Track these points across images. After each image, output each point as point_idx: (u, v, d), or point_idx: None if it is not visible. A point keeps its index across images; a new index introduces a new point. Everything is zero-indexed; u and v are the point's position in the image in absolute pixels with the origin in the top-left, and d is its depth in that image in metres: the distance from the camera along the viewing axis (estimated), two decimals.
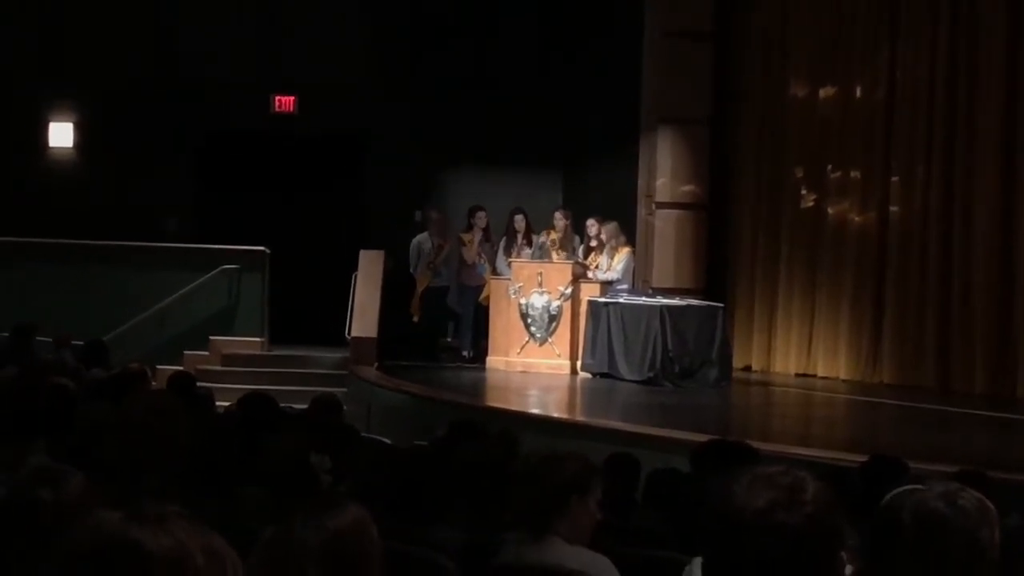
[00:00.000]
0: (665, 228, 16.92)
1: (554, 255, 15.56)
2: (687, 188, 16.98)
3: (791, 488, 2.21)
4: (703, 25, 16.94)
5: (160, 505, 1.80)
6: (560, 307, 15.24)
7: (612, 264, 15.53)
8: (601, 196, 17.13)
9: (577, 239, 15.89)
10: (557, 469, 4.68)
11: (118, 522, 1.74)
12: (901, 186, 15.53)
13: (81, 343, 12.45)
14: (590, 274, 15.52)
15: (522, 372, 15.19)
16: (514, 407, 12.80)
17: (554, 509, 4.59)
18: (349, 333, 16.19)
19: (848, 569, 2.89)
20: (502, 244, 16.30)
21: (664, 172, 16.94)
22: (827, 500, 2.23)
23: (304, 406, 8.28)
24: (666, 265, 16.85)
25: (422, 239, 16.98)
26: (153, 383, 10.03)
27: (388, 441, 8.86)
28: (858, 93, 16.01)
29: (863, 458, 6.87)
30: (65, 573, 1.73)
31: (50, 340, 13.27)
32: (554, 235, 15.69)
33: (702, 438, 7.62)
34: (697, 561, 3.00)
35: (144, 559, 1.71)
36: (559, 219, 15.86)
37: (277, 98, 18.43)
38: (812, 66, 16.50)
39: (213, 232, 17.36)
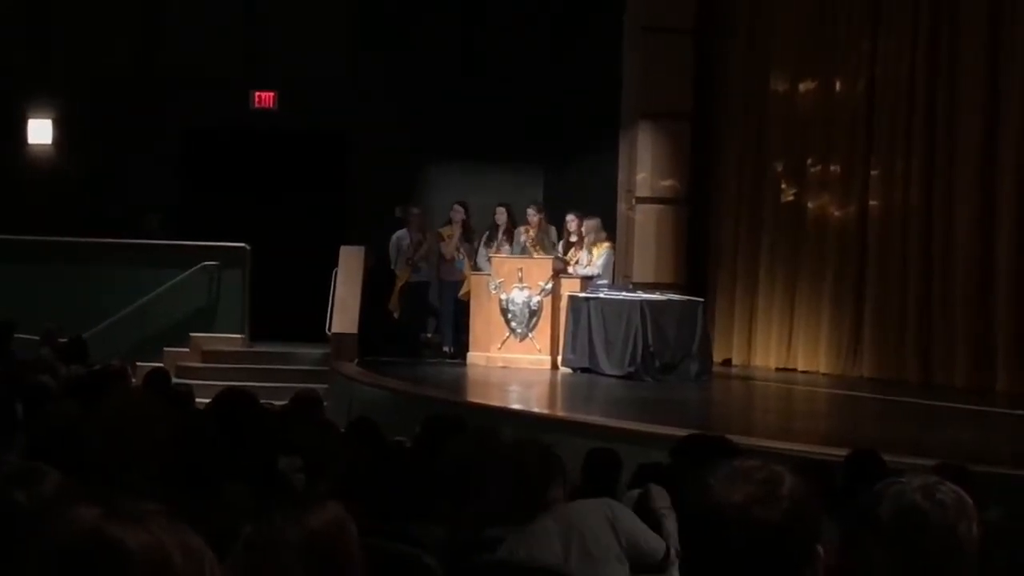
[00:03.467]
0: (645, 223, 16.93)
1: (533, 252, 15.56)
2: (667, 183, 17.00)
3: (767, 482, 2.22)
4: (684, 20, 16.95)
5: (138, 503, 1.77)
6: (540, 302, 15.23)
7: (592, 259, 15.52)
8: (582, 191, 17.13)
9: (553, 230, 15.89)
10: (526, 461, 4.75)
11: (95, 519, 1.72)
12: (881, 180, 15.55)
13: (63, 340, 12.44)
14: (570, 269, 15.51)
15: (503, 367, 15.19)
16: (495, 402, 12.77)
17: (535, 498, 4.64)
18: (330, 329, 16.17)
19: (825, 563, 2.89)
20: (484, 238, 16.27)
21: (644, 167, 16.94)
22: (803, 494, 2.23)
23: (285, 402, 8.26)
24: (646, 260, 16.86)
25: (401, 235, 16.96)
26: (133, 380, 10.01)
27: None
28: (838, 87, 16.03)
29: (843, 452, 6.88)
30: (41, 571, 1.70)
31: (31, 337, 13.22)
32: (531, 232, 15.69)
33: (682, 433, 7.62)
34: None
35: (122, 556, 1.68)
36: (532, 215, 15.85)
37: (257, 94, 18.39)
38: (793, 60, 16.51)
39: (193, 229, 17.32)
